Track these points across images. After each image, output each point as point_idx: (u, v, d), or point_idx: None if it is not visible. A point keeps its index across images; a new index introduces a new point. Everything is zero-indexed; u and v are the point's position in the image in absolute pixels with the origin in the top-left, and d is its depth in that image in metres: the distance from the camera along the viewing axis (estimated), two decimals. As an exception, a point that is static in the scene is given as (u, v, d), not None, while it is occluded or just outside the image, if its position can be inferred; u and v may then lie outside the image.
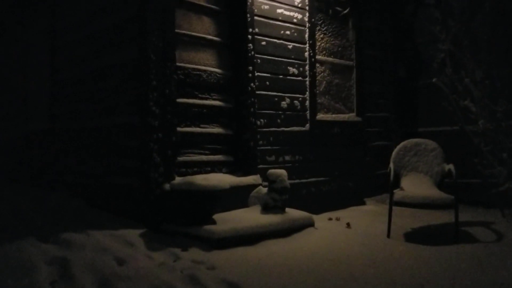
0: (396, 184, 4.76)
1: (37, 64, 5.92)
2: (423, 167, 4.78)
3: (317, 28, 5.57)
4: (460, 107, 4.46)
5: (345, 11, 5.79)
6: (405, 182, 4.69)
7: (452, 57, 4.70)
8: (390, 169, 4.66)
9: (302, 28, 5.29)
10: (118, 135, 4.35)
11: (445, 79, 4.63)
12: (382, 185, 6.13)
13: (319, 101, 5.62)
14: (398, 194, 4.33)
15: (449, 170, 4.53)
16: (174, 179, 4.05)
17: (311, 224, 4.36)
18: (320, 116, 5.59)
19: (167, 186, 3.94)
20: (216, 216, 3.98)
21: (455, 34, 4.66)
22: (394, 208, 4.30)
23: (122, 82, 4.26)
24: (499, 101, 4.13)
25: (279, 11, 5.01)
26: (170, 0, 4.13)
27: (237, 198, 4.43)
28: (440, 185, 4.69)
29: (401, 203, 4.29)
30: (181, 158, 4.27)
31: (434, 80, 4.54)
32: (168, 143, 4.04)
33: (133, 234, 3.71)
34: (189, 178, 3.88)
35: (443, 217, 4.93)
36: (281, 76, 5.08)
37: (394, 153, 4.87)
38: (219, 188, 3.80)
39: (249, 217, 4.14)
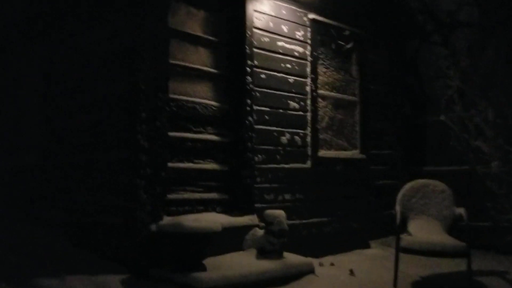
0: (403, 228, 4.43)
1: (30, 95, 5.73)
2: (432, 210, 4.45)
3: (320, 62, 5.38)
4: (471, 147, 4.19)
5: (349, 46, 5.61)
6: (412, 226, 4.36)
7: (461, 94, 4.47)
8: (396, 212, 4.35)
9: (304, 61, 5.10)
10: (105, 170, 4.09)
11: (453, 117, 4.38)
12: (387, 226, 5.78)
13: (321, 137, 5.36)
14: (405, 239, 4.00)
15: (460, 214, 4.22)
16: (162, 219, 3.75)
17: (311, 270, 4.02)
18: (322, 152, 5.32)
19: (153, 226, 3.64)
20: (207, 261, 3.65)
21: (464, 70, 4.44)
22: (400, 254, 3.97)
23: (111, 114, 4.03)
24: (513, 141, 3.87)
25: (279, 44, 4.83)
26: (165, 30, 3.95)
27: (231, 239, 4.11)
28: (450, 230, 4.36)
29: (409, 250, 3.95)
30: (171, 196, 3.97)
31: (442, 117, 4.28)
32: (157, 180, 3.77)
33: (114, 281, 3.38)
34: (178, 219, 3.58)
35: (453, 265, 4.56)
36: (281, 110, 4.85)
37: (400, 194, 4.56)
38: (210, 230, 3.49)
39: (243, 262, 3.81)
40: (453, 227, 4.39)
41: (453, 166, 5.99)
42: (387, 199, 5.91)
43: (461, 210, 4.22)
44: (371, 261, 4.86)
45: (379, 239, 5.78)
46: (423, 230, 4.22)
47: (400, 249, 3.98)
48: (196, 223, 3.47)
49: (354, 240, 5.50)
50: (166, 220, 3.72)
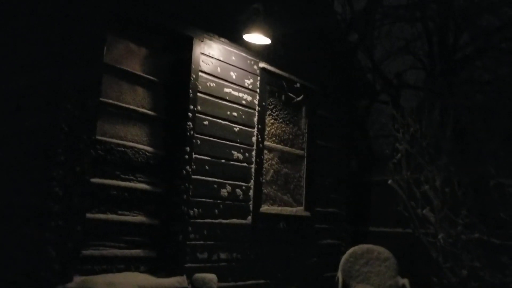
0: (345, 297, 4.13)
1: None
2: (375, 279, 4.19)
3: (268, 112, 5.15)
4: (418, 215, 4.01)
5: (298, 99, 5.44)
6: (354, 297, 4.07)
7: (409, 158, 4.33)
8: (337, 279, 4.05)
9: (252, 111, 4.84)
10: (11, 219, 3.51)
11: (400, 181, 4.21)
12: (330, 289, 5.47)
13: (264, 191, 5.04)
14: (346, 313, 3.68)
15: (403, 285, 3.98)
16: (72, 280, 3.21)
17: None
18: (265, 208, 4.99)
19: (59, 290, 3.09)
20: (121, 331, 3.13)
21: (412, 134, 4.34)
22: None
23: (24, 154, 3.50)
24: (461, 213, 3.72)
25: (226, 90, 4.56)
26: (98, 65, 3.56)
27: (154, 305, 3.60)
28: (393, 301, 4.11)
29: (349, 325, 3.62)
30: (87, 252, 3.46)
31: (389, 182, 4.11)
32: (71, 234, 3.25)
33: None
34: (88, 283, 3.07)
35: None
36: (223, 161, 4.50)
37: (343, 260, 4.30)
38: (125, 298, 3.00)
39: (163, 335, 3.31)
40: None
41: (397, 228, 5.85)
42: (331, 259, 5.63)
43: (405, 281, 3.99)
44: (309, 331, 4.47)
45: (320, 304, 5.43)
46: (365, 302, 3.92)
47: (340, 324, 3.64)
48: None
49: (292, 305, 5.11)
50: (76, 282, 3.19)
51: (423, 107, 6.69)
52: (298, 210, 5.45)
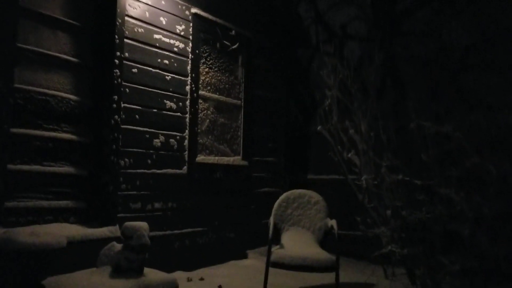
0: (277, 239, 4.29)
1: None
2: (306, 222, 4.37)
3: (202, 61, 5.06)
4: (344, 159, 4.17)
5: (234, 47, 5.37)
6: (285, 239, 4.23)
7: (339, 104, 4.44)
8: (269, 224, 4.19)
9: (184, 59, 4.73)
10: None
11: (331, 127, 4.33)
12: (267, 235, 5.66)
13: (200, 141, 5.04)
14: (276, 253, 3.83)
15: (332, 226, 4.18)
16: (-7, 232, 3.12)
17: (173, 288, 3.64)
18: (201, 158, 5.00)
19: (-21, 242, 3.00)
20: (49, 281, 3.09)
21: (342, 80, 4.42)
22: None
23: None
24: (384, 155, 3.89)
25: (156, 36, 4.41)
26: (13, 8, 3.32)
27: (85, 255, 3.58)
28: (323, 242, 4.31)
29: (279, 265, 3.78)
30: (10, 204, 3.35)
31: (318, 128, 4.21)
32: (-10, 185, 3.13)
33: None
34: (11, 233, 2.99)
35: (325, 277, 4.52)
36: (155, 110, 4.42)
37: (276, 204, 4.43)
38: (50, 247, 2.96)
39: (93, 282, 3.31)
40: (326, 239, 4.35)
41: (333, 175, 6.08)
42: (268, 207, 5.79)
43: (333, 222, 4.18)
44: (244, 273, 4.64)
45: (257, 248, 5.62)
46: (295, 243, 4.10)
47: (271, 264, 3.80)
48: (33, 237, 2.92)
49: (231, 251, 5.27)
50: (-2, 233, 3.10)
51: (362, 57, 6.80)
52: (235, 159, 5.51)
